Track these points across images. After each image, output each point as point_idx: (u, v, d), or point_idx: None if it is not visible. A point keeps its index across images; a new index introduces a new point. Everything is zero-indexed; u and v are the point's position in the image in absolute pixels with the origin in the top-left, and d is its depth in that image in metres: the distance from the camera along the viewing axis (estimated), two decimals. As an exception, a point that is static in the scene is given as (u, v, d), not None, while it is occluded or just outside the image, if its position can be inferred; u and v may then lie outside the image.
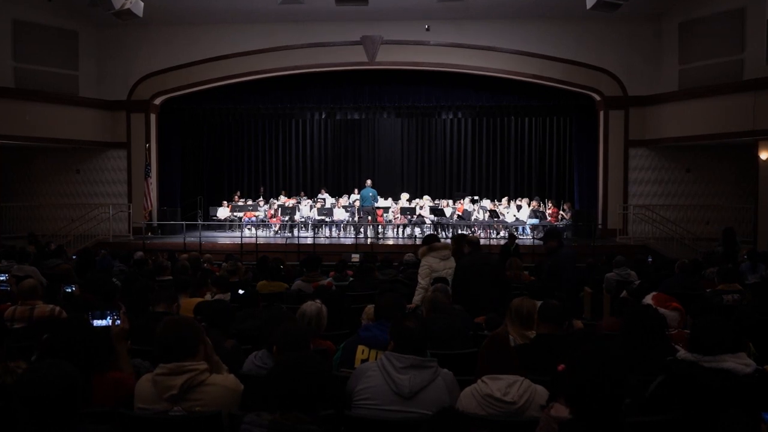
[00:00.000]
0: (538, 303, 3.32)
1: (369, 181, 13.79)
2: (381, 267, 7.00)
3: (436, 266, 5.09)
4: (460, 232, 13.06)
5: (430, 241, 5.29)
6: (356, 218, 13.37)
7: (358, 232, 13.03)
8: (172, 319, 2.45)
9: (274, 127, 17.34)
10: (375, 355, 2.94)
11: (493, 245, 11.73)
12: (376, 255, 9.44)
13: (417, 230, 13.55)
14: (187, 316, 2.60)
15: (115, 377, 2.44)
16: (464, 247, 5.34)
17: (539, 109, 14.76)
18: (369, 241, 12.57)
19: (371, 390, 2.48)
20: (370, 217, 13.00)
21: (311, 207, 14.23)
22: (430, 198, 14.80)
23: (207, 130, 16.31)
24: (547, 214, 13.49)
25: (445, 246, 5.26)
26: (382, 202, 14.15)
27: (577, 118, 14.67)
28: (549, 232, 5.68)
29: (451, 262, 5.17)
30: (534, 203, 13.84)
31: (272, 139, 17.43)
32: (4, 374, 2.32)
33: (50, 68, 13.01)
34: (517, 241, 9.94)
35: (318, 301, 3.50)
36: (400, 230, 13.66)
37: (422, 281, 4.99)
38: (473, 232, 13.16)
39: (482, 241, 12.07)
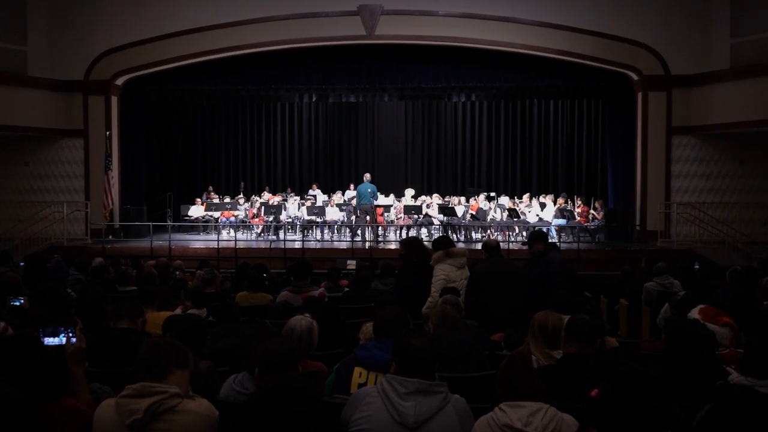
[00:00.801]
0: (566, 318, 3.31)
1: (367, 176, 13.78)
2: (381, 276, 7.00)
3: (453, 275, 5.08)
4: (492, 237, 13.10)
5: (446, 244, 5.29)
6: (352, 218, 13.38)
7: (354, 235, 13.03)
8: (154, 341, 2.49)
9: (256, 112, 17.36)
10: (374, 379, 2.94)
11: (513, 250, 11.74)
12: (375, 261, 9.45)
13: (424, 232, 13.54)
14: (174, 340, 2.61)
15: (70, 404, 2.44)
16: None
17: (567, 90, 14.77)
18: (368, 245, 12.58)
19: (370, 419, 2.48)
20: (368, 217, 13.03)
21: (300, 205, 14.24)
22: (439, 195, 14.82)
23: (178, 116, 16.34)
24: (575, 213, 13.50)
25: (463, 252, 5.26)
26: (382, 200, 14.17)
27: (611, 102, 14.68)
28: (533, 235, 5.70)
29: (467, 272, 5.19)
30: (560, 201, 13.85)
31: (254, 126, 17.46)
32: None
33: (-6, 43, 13.01)
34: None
35: (307, 315, 3.50)
36: (404, 232, 13.67)
37: (436, 293, 4.98)
38: (490, 235, 13.16)
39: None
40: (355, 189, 15.29)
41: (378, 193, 13.79)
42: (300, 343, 3.32)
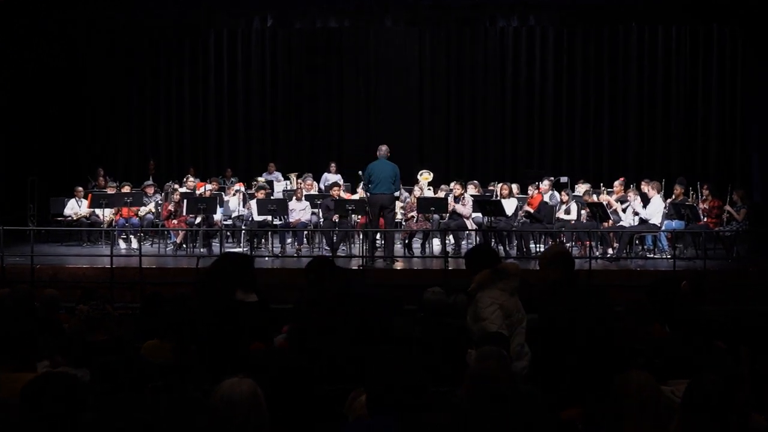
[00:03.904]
0: (680, 384, 3.31)
1: (383, 149, 12.98)
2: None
3: (510, 305, 5.19)
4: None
5: (489, 259, 5.37)
6: (334, 218, 13.24)
7: (336, 247, 12.99)
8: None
9: (176, 48, 17.32)
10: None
11: (596, 271, 11.70)
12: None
13: (450, 241, 13.47)
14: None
15: None
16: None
17: (684, 10, 14.73)
18: (357, 263, 12.53)
19: None
20: (383, 217, 12.65)
21: (246, 198, 14.21)
22: (475, 182, 14.77)
23: (51, 57, 16.24)
24: (699, 210, 13.45)
25: (517, 269, 5.39)
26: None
27: (757, 28, 14.63)
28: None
29: (519, 302, 5.29)
30: (677, 190, 13.78)
31: (172, 70, 17.43)
32: None
33: None
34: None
35: (245, 377, 3.50)
36: (416, 242, 13.61)
37: (492, 327, 5.04)
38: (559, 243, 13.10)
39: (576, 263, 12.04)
40: (336, 171, 15.22)
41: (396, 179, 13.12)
42: (246, 424, 3.31)
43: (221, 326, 5.40)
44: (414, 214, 13.60)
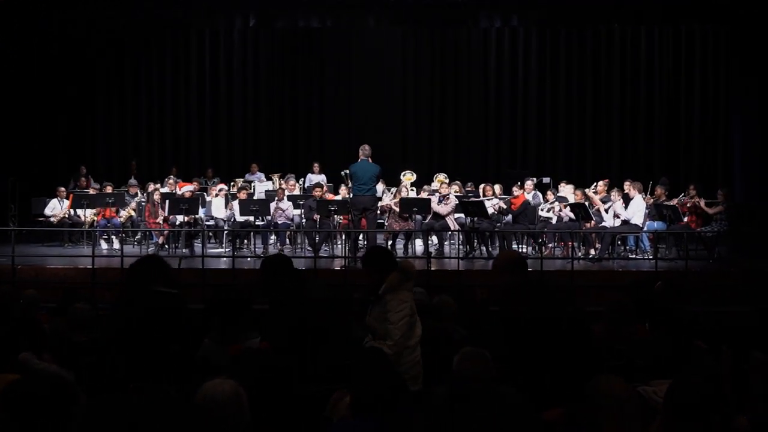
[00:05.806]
0: (662, 385, 3.32)
1: (366, 149, 12.89)
2: (361, 313, 6.96)
3: (413, 308, 5.35)
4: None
5: (389, 261, 5.51)
6: (316, 218, 13.20)
7: (318, 246, 12.96)
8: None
9: (156, 48, 17.23)
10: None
11: (578, 272, 11.72)
12: (353, 290, 9.39)
13: (432, 242, 13.49)
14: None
15: None
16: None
17: (660, 13, 14.77)
18: (339, 263, 12.50)
19: None
20: (365, 219, 12.68)
21: (228, 198, 14.17)
22: (458, 182, 14.76)
23: (32, 56, 16.14)
24: (680, 210, 13.45)
25: (414, 269, 5.57)
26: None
27: (741, 29, 14.69)
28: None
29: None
30: (659, 191, 13.80)
31: (153, 70, 17.33)
32: None
33: None
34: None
35: (228, 378, 3.48)
36: (398, 242, 13.60)
37: (397, 333, 5.17)
38: (540, 245, 13.10)
39: (553, 264, 12.05)
40: (320, 171, 15.20)
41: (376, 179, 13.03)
42: (228, 424, 3.30)
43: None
44: (391, 212, 13.53)
